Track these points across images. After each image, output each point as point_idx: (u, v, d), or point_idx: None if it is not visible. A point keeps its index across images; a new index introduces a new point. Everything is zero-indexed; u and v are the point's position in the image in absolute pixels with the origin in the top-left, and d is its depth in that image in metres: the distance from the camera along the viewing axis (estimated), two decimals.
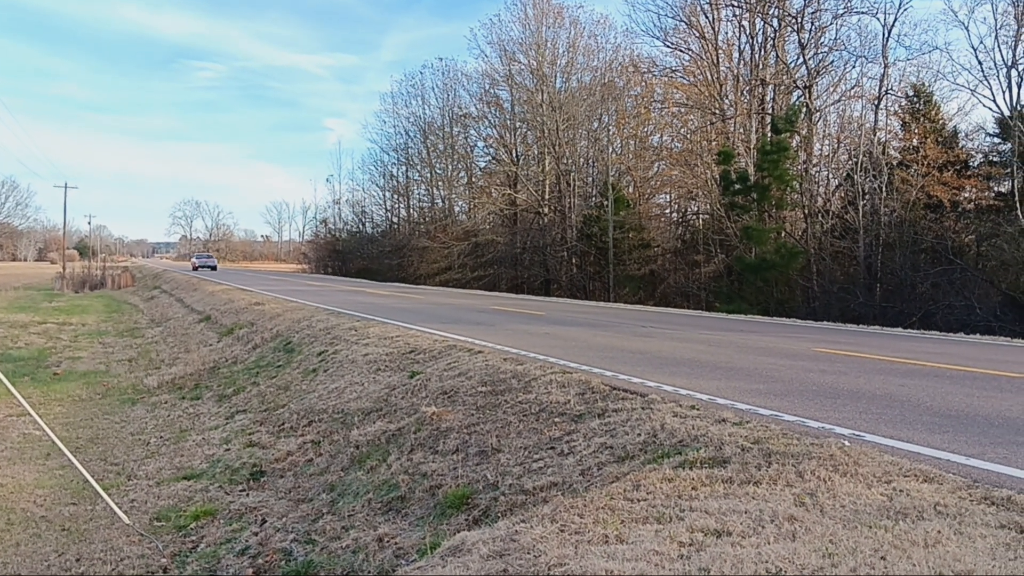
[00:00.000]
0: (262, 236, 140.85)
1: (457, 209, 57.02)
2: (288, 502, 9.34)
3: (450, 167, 56.91)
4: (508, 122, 50.89)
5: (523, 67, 47.49)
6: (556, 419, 8.30)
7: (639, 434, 7.13)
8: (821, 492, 5.10)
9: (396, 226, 63.68)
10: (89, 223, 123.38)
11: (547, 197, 46.42)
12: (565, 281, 41.85)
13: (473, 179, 56.44)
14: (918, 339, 15.16)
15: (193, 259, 77.93)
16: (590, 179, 46.16)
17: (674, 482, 5.59)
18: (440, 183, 57.40)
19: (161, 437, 12.94)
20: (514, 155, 49.72)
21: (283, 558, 7.65)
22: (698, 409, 7.60)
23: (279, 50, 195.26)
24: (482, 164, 56.06)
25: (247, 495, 9.72)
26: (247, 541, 8.30)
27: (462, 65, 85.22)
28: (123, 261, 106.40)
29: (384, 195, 65.99)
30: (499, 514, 6.94)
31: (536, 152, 48.96)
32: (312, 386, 13.56)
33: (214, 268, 69.77)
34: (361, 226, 68.66)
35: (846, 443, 6.16)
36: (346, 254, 66.79)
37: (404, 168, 62.38)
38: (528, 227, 46.83)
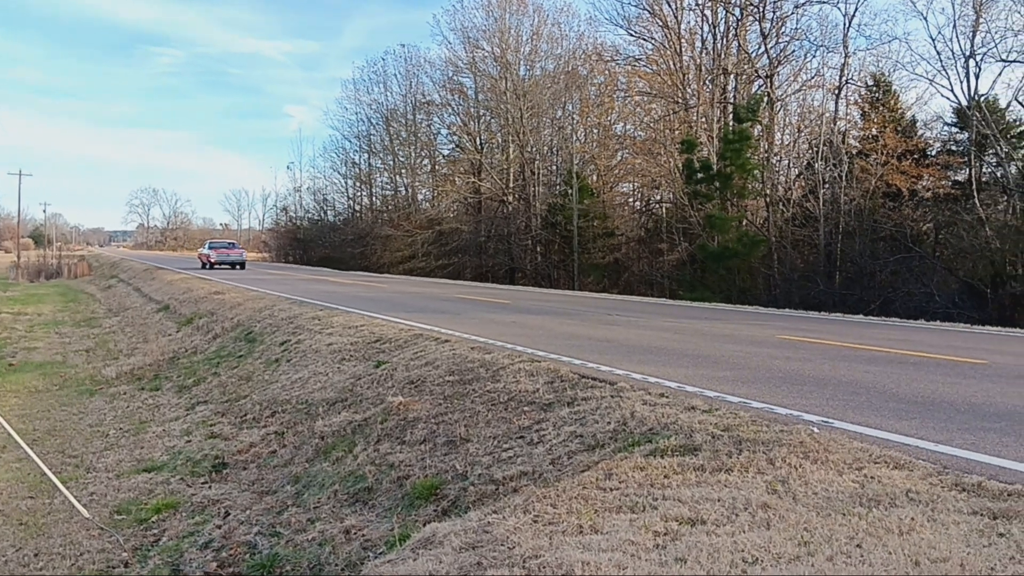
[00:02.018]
0: (221, 224, 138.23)
1: (421, 197, 56.72)
2: (252, 494, 9.20)
3: (413, 155, 56.53)
4: (472, 110, 50.62)
5: (486, 54, 47.28)
6: (525, 408, 8.25)
7: (609, 422, 7.10)
8: (793, 479, 5.10)
9: (359, 214, 63.11)
10: (44, 211, 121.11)
11: (511, 185, 46.30)
12: (530, 269, 41.83)
13: (436, 167, 56.12)
14: (880, 326, 15.33)
15: (205, 251, 47.27)
16: (554, 167, 46.12)
17: (646, 470, 5.56)
18: (403, 171, 57.01)
19: (120, 429, 12.69)
20: (478, 143, 49.52)
21: (247, 551, 7.52)
22: (667, 397, 7.59)
23: (239, 36, 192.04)
24: (446, 152, 55.81)
25: (209, 487, 9.57)
26: (210, 534, 8.17)
27: (425, 52, 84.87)
28: (79, 250, 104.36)
29: (346, 183, 65.40)
30: (469, 504, 6.87)
31: (500, 140, 48.79)
32: (275, 376, 13.37)
33: (242, 265, 44.58)
34: (323, 214, 67.96)
35: (815, 430, 6.17)
36: (308, 242, 66.05)
37: (366, 155, 61.86)
38: (492, 215, 46.69)
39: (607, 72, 42.60)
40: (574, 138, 44.64)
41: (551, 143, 46.80)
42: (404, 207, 54.21)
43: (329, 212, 67.53)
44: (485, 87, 48.28)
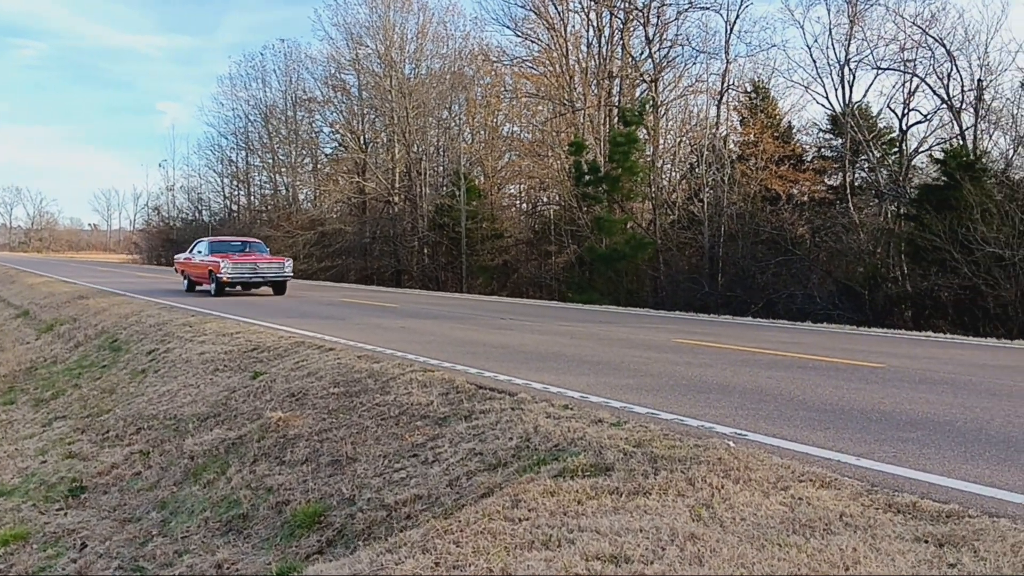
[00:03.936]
0: (90, 225, 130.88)
1: (302, 197, 54.95)
2: (113, 522, 8.33)
3: (294, 153, 54.70)
4: (355, 108, 49.34)
5: (370, 51, 46.09)
6: (418, 423, 7.63)
7: (511, 438, 6.58)
8: (717, 503, 4.67)
9: (236, 214, 60.82)
10: None
11: (397, 186, 45.32)
12: (417, 272, 41.02)
13: (319, 166, 54.52)
14: (769, 328, 15.36)
15: (202, 257, 24.23)
16: (441, 168, 45.43)
17: (557, 495, 5.04)
18: (283, 169, 55.11)
19: None
20: (362, 142, 48.30)
21: None
22: (571, 408, 7.12)
23: (110, 29, 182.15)
24: (328, 151, 54.22)
25: (65, 515, 8.68)
26: (64, 569, 7.40)
27: (306, 47, 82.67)
28: None
29: (222, 181, 62.86)
30: (356, 533, 6.24)
31: (385, 139, 47.75)
32: (141, 389, 12.31)
33: (280, 288, 23.56)
34: (197, 214, 65.20)
35: (731, 444, 5.80)
36: (181, 243, 62.94)
37: (244, 153, 59.56)
38: (378, 216, 45.62)
39: (493, 73, 42.26)
40: (461, 139, 44.09)
41: (438, 143, 46.10)
42: (284, 207, 52.41)
43: (204, 212, 64.87)
44: (369, 85, 47.13)
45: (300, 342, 12.11)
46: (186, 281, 25.39)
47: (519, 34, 38.75)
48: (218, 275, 22.30)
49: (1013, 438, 6.02)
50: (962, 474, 5.12)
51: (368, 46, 46.02)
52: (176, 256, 27.95)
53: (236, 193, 62.66)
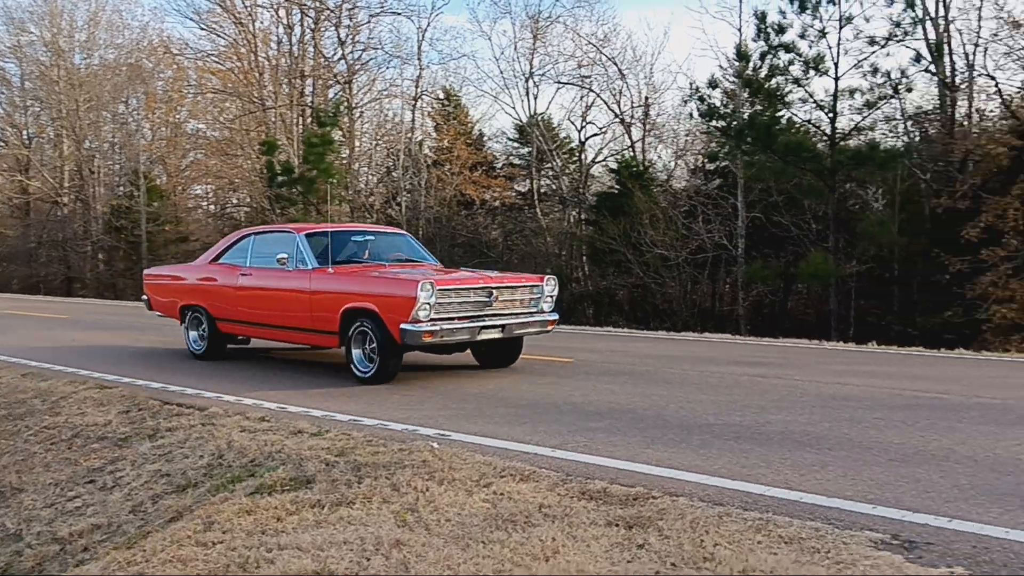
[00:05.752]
0: None
1: None
2: None
3: None
4: (17, 99, 44.20)
5: (35, 38, 41.54)
6: (95, 445, 6.91)
7: (201, 456, 6.14)
8: (422, 506, 4.64)
9: None
10: None
11: (67, 185, 41.20)
12: (91, 280, 37.55)
13: None
14: None
15: (284, 265, 9.26)
16: (118, 167, 41.95)
17: (254, 514, 4.75)
18: None
19: None
20: (25, 137, 43.39)
21: None
22: (269, 420, 6.79)
23: None
24: None
25: None
26: None
27: None
28: None
29: None
30: (25, 572, 5.50)
31: (52, 135, 43.23)
32: None
33: (515, 347, 9.73)
34: None
35: (435, 445, 5.82)
36: None
37: None
38: (44, 219, 41.28)
39: (176, 67, 39.72)
40: (140, 135, 40.97)
41: (113, 140, 42.53)
42: None
43: None
44: (33, 75, 42.37)
45: None
46: (201, 334, 10.96)
47: (203, 27, 36.71)
48: (403, 324, 8.11)
49: (686, 421, 6.59)
50: (645, 458, 5.50)
51: (32, 32, 41.44)
52: (150, 274, 12.97)
53: None
